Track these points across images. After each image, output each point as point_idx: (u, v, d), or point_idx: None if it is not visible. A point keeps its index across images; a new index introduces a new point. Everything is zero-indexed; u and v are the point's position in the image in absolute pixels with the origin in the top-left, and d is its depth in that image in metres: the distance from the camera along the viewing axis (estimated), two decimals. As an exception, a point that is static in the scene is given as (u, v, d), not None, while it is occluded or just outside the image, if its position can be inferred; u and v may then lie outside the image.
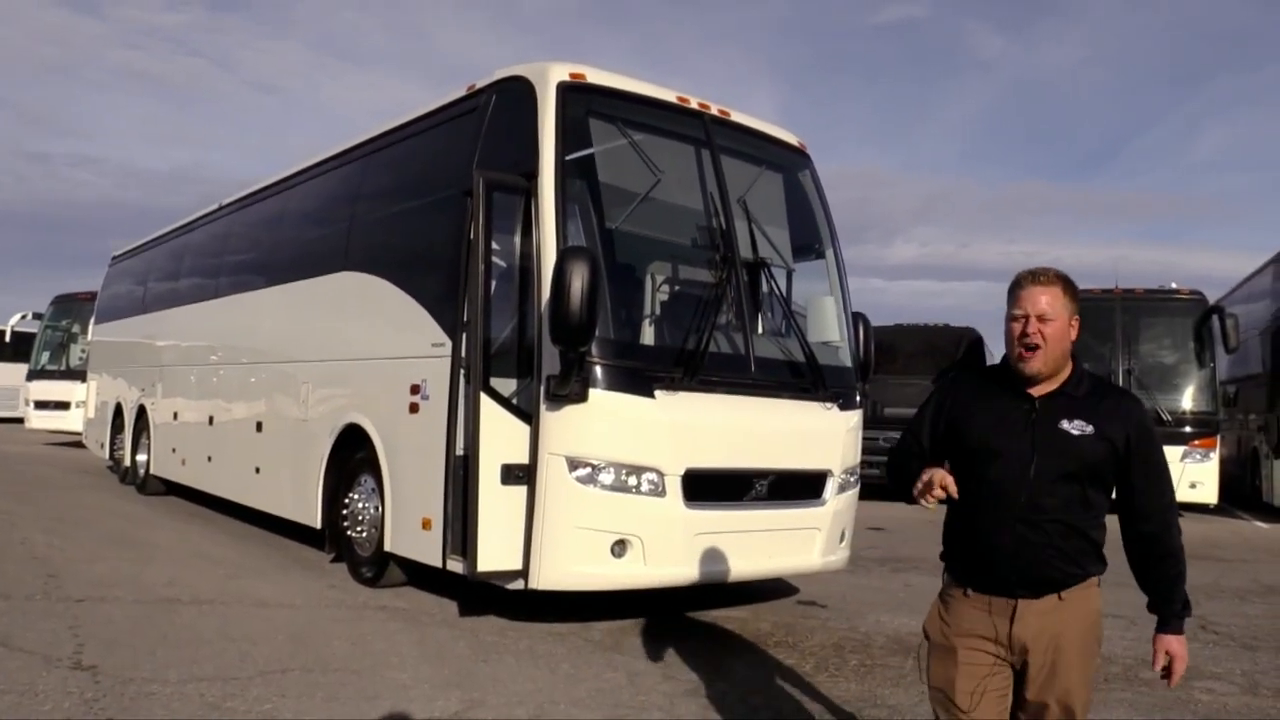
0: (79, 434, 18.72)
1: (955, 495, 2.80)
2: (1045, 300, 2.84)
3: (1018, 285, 2.90)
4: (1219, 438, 15.82)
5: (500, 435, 6.04)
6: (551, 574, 5.96)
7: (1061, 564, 2.80)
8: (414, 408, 6.96)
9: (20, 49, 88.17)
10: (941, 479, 2.79)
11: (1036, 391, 2.88)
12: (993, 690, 2.83)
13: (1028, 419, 2.84)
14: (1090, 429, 2.80)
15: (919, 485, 2.82)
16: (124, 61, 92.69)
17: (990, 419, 2.89)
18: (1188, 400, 15.90)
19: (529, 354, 6.15)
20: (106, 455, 15.02)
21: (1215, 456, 15.49)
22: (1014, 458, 2.81)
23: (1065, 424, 2.81)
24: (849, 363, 7.39)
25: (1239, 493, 17.76)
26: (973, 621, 2.86)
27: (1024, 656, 2.81)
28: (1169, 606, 2.84)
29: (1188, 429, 15.58)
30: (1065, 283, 2.91)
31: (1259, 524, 15.28)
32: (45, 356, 23.19)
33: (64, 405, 21.52)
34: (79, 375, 19.60)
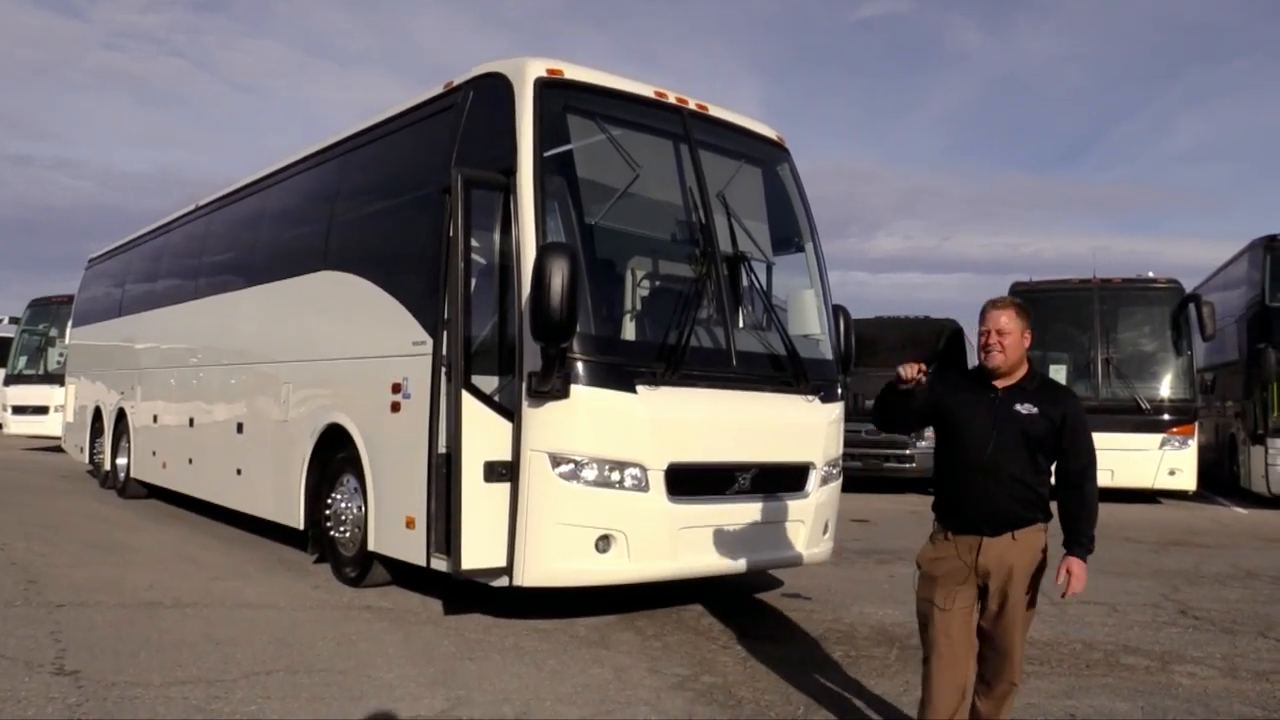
0: (58, 439, 18.57)
1: (928, 372, 3.84)
2: (1004, 319, 3.86)
3: (984, 310, 3.94)
4: (1197, 425, 15.97)
5: (482, 432, 6.03)
6: (536, 570, 5.96)
7: (1016, 508, 3.79)
8: (395, 406, 6.94)
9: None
10: (919, 365, 3.84)
11: (1000, 384, 3.88)
12: (963, 604, 3.85)
13: (992, 403, 3.86)
14: (1035, 410, 3.80)
15: (904, 368, 3.83)
16: (104, 63, 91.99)
17: (965, 401, 3.91)
18: (1166, 388, 16.06)
19: (510, 351, 6.14)
20: (86, 459, 14.91)
21: (1193, 443, 15.64)
22: (980, 429, 3.82)
23: (1018, 407, 3.82)
24: (830, 355, 7.41)
25: (1217, 479, 17.93)
26: (950, 554, 3.87)
27: (986, 579, 3.81)
28: (1079, 538, 3.79)
29: (1166, 416, 15.73)
30: (1019, 306, 3.92)
31: (1238, 509, 15.43)
32: (23, 361, 23.02)
33: (42, 410, 21.37)
34: (57, 379, 19.46)
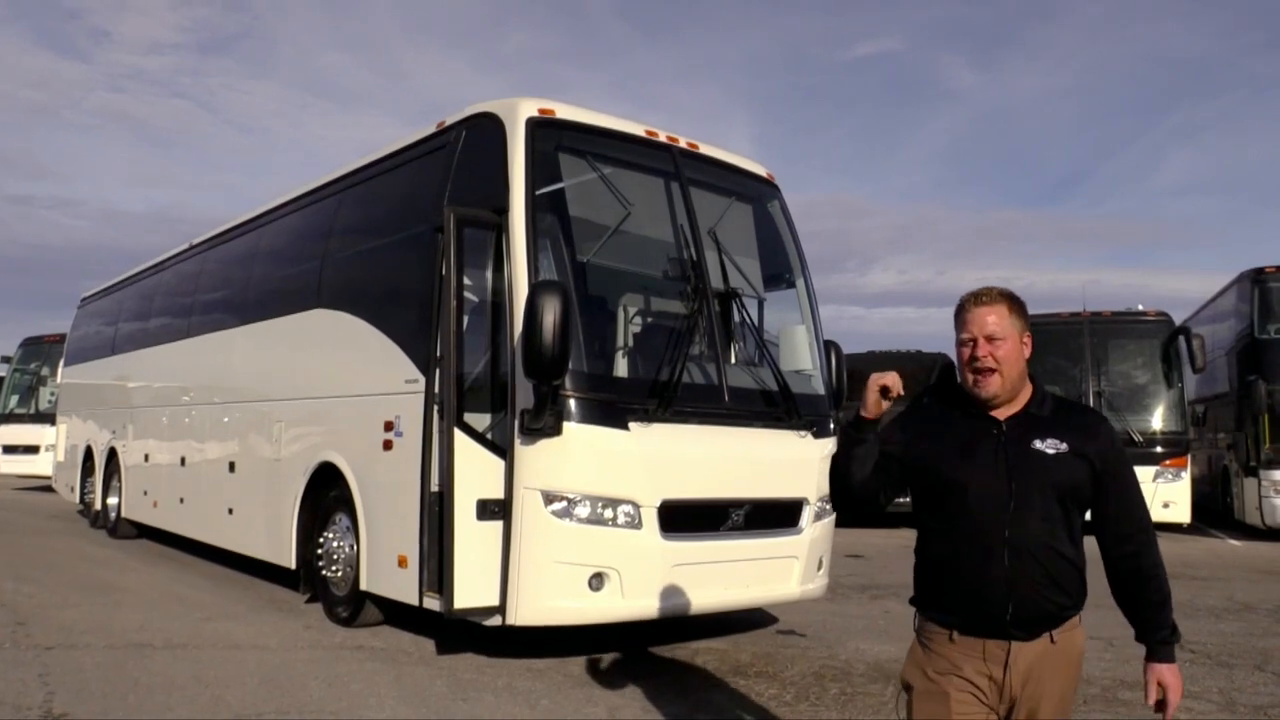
0: (49, 478, 18.48)
1: (900, 393, 2.68)
2: (992, 320, 2.69)
3: (962, 308, 2.75)
4: (1189, 457, 16.01)
5: (475, 470, 6.02)
6: (529, 609, 5.93)
7: (1056, 595, 2.63)
8: (388, 444, 6.93)
9: (2, 93, 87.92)
10: (893, 379, 2.68)
11: (1000, 414, 2.72)
12: None
13: (996, 443, 2.68)
14: (1065, 447, 2.65)
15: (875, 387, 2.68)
16: (107, 104, 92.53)
17: (955, 447, 2.71)
18: (1158, 420, 16.10)
19: (503, 388, 6.15)
20: (77, 499, 14.82)
21: (1186, 476, 15.67)
22: (989, 485, 2.64)
23: (1038, 444, 2.65)
24: (822, 390, 7.43)
25: (1211, 511, 17.93)
26: (961, 666, 2.65)
27: (1011, 706, 2.64)
28: (1157, 633, 2.70)
29: (1159, 449, 15.76)
30: (1011, 300, 2.75)
31: (1232, 542, 15.42)
32: (14, 400, 22.95)
33: (33, 449, 21.29)
34: (48, 419, 19.39)
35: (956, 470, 2.68)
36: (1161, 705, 2.67)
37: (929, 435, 2.77)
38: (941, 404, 2.84)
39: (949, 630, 2.69)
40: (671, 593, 6.15)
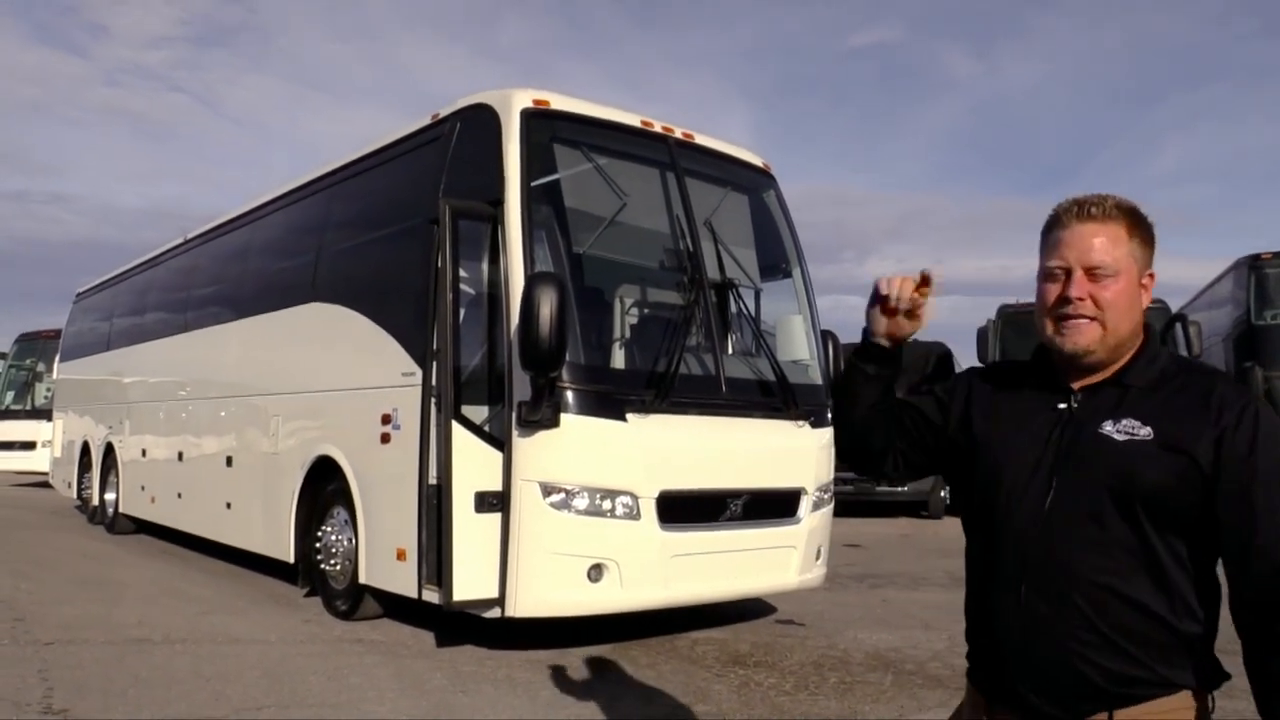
0: (46, 474, 18.45)
1: (940, 276, 1.89)
2: (1100, 244, 1.79)
3: (1056, 222, 1.84)
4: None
5: (473, 463, 6.02)
6: (528, 601, 5.93)
7: (1110, 660, 1.75)
8: (385, 438, 6.92)
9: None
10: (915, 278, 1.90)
11: (1082, 382, 1.86)
12: None
13: (1057, 420, 1.85)
14: (1148, 432, 1.75)
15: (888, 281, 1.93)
16: (104, 99, 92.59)
17: (1007, 424, 1.90)
18: (1155, 408, 16.10)
19: (500, 381, 6.15)
20: (74, 495, 14.81)
21: (1184, 462, 15.66)
22: (1026, 480, 1.83)
23: (1109, 425, 1.78)
24: (819, 380, 7.42)
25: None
26: None
27: None
28: None
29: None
30: (1133, 218, 1.83)
31: (1229, 528, 15.44)
32: (9, 396, 22.90)
33: (30, 445, 21.22)
34: (45, 414, 19.36)
35: (999, 455, 1.88)
36: None
37: (986, 405, 1.96)
38: (1016, 368, 2.01)
39: (984, 698, 1.93)
40: (670, 583, 6.16)
